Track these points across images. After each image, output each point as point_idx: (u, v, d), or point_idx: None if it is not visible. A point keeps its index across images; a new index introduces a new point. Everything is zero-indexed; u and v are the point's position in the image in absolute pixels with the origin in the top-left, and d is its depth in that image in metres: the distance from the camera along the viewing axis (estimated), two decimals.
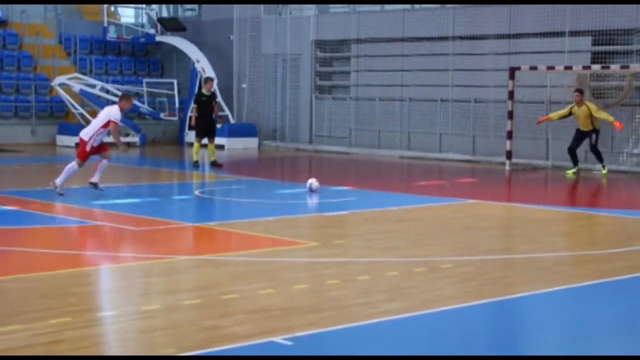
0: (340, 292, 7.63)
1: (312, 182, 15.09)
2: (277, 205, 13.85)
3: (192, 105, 19.81)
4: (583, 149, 19.62)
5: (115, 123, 14.31)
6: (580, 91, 18.85)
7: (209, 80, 19.83)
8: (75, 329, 6.32)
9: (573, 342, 6.36)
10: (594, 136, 18.84)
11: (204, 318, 6.72)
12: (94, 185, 14.24)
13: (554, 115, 19.46)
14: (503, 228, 12.38)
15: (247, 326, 6.46)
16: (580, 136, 18.99)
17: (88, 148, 14.23)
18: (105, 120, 14.28)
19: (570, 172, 18.88)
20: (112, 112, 14.39)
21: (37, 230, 11.13)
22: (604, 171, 18.82)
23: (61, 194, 13.84)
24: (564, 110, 19.16)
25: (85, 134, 14.41)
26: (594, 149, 18.95)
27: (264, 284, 7.89)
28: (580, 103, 18.64)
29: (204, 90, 19.39)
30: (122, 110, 14.57)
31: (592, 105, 18.67)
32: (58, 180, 14.02)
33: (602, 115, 18.55)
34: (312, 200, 14.38)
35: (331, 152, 25.09)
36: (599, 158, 18.98)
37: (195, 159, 19.22)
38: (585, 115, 18.64)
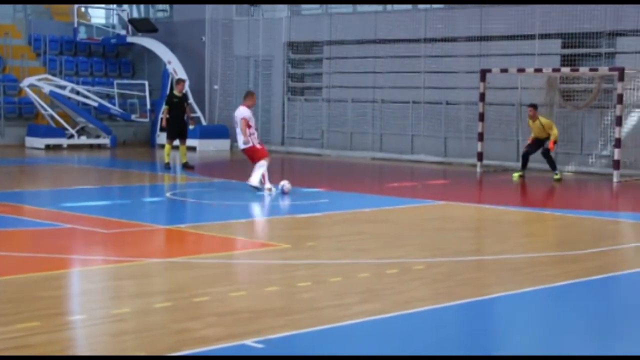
0: (312, 294, 7.61)
1: (284, 184, 15.05)
2: (249, 207, 13.81)
3: (164, 107, 19.72)
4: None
5: (246, 119, 15.14)
6: (534, 106, 18.68)
7: (180, 81, 19.76)
8: (43, 333, 6.25)
9: (544, 343, 6.39)
10: (546, 142, 18.62)
11: (175, 321, 6.67)
12: (256, 188, 14.95)
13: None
14: (474, 229, 12.43)
15: (218, 329, 6.43)
16: (536, 143, 18.80)
17: (258, 145, 15.22)
18: (242, 121, 15.11)
19: (515, 174, 18.78)
20: (241, 111, 15.23)
21: (5, 233, 11.01)
22: (557, 176, 18.57)
23: (270, 191, 14.82)
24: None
25: (244, 143, 15.16)
26: (546, 154, 18.72)
27: (235, 286, 7.86)
28: (534, 118, 18.55)
29: (175, 92, 19.32)
30: (248, 107, 15.39)
31: (545, 122, 18.41)
32: (256, 182, 14.95)
33: (553, 133, 18.42)
34: (284, 202, 14.35)
35: (303, 153, 25.08)
36: (551, 164, 18.76)
37: (166, 160, 19.15)
38: (539, 129, 18.53)
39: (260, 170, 15.08)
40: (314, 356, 5.88)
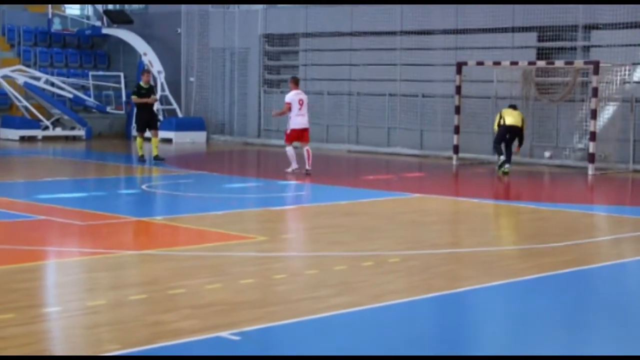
0: (287, 287, 7.63)
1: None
2: (224, 199, 13.80)
3: (132, 97, 19.53)
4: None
5: (288, 103, 17.18)
6: (513, 106, 18.68)
7: (145, 72, 19.74)
8: (18, 325, 6.22)
9: (514, 335, 6.45)
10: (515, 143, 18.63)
11: (150, 313, 6.66)
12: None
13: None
14: (450, 222, 12.49)
15: (194, 321, 6.43)
16: (511, 132, 18.78)
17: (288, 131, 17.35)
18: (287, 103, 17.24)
19: (506, 168, 18.82)
20: (288, 95, 17.32)
21: None
22: (506, 170, 18.11)
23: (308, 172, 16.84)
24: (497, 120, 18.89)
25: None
26: (507, 146, 18.73)
27: (211, 278, 7.85)
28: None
29: (141, 83, 19.25)
30: (293, 90, 17.35)
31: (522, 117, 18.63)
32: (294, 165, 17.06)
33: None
34: (260, 195, 14.34)
35: (279, 146, 25.05)
36: (508, 156, 18.47)
37: (140, 153, 19.07)
38: (518, 118, 18.47)
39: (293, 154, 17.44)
40: (290, 356, 5.89)
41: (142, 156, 19.05)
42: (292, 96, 17.17)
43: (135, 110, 19.43)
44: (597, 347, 6.25)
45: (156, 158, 18.94)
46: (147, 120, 19.07)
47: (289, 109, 17.13)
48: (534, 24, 20.91)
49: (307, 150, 17.30)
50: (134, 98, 19.15)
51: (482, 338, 6.45)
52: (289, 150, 17.29)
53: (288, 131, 17.29)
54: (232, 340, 5.99)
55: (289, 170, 17.25)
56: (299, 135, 17.34)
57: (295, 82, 17.74)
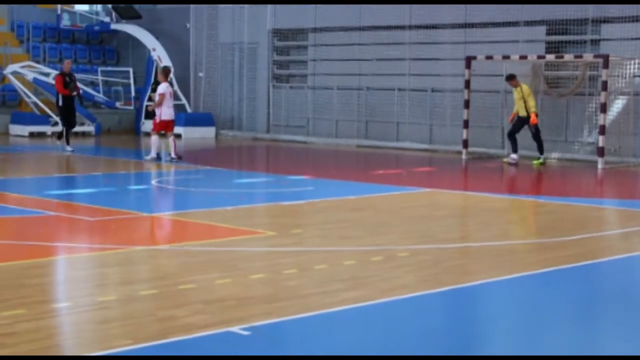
0: (297, 282, 7.64)
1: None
2: (234, 194, 13.81)
3: (150, 94, 19.60)
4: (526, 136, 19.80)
5: (162, 94, 18.14)
6: (512, 76, 19.07)
7: (165, 69, 19.66)
8: (29, 320, 6.25)
9: (527, 329, 6.44)
10: (532, 127, 18.90)
11: (160, 309, 6.68)
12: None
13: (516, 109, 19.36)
14: (459, 216, 12.48)
15: (204, 316, 6.44)
16: (519, 123, 19.10)
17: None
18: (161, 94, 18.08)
19: (538, 160, 19.02)
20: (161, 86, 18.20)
21: None
22: (537, 162, 18.91)
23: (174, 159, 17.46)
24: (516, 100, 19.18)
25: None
26: (536, 137, 19.06)
27: (221, 273, 7.87)
28: (516, 86, 18.91)
29: (160, 81, 19.19)
30: (165, 82, 18.32)
31: (525, 88, 18.90)
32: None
33: (531, 101, 18.74)
34: (270, 190, 14.35)
35: (288, 141, 25.08)
36: (540, 148, 19.08)
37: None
38: (518, 97, 18.87)
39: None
40: (299, 356, 5.90)
41: (158, 154, 18.92)
42: (165, 88, 18.09)
43: (145, 105, 19.43)
44: (607, 341, 6.25)
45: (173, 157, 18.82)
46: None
47: (160, 98, 17.98)
48: (543, 17, 20.85)
49: (173, 139, 18.18)
50: (153, 96, 19.21)
51: (492, 332, 6.45)
52: (155, 139, 18.14)
53: (157, 121, 18.13)
54: (243, 335, 6.00)
55: (148, 157, 18.18)
56: (167, 126, 18.31)
57: (166, 75, 18.68)
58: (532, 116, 18.73)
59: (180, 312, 6.53)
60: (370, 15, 23.94)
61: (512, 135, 19.17)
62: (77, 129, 25.55)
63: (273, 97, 26.39)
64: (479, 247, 9.60)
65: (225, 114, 27.36)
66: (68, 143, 19.76)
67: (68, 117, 20.05)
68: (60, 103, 20.06)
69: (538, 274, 8.17)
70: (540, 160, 19.03)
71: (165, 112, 18.19)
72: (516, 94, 18.98)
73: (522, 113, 18.90)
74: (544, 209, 12.86)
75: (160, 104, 18.11)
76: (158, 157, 18.82)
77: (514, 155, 19.06)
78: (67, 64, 20.56)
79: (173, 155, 17.95)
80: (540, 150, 19.12)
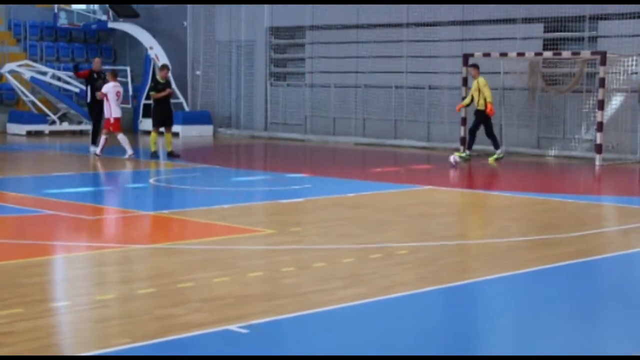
0: (296, 280, 7.63)
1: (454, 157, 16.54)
2: (232, 193, 13.80)
3: (150, 93, 19.50)
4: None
5: (104, 93, 18.69)
6: (473, 66, 19.32)
7: (164, 67, 19.64)
8: (27, 319, 6.24)
9: (525, 327, 6.44)
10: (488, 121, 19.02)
11: (159, 307, 6.67)
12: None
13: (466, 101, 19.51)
14: (458, 214, 12.48)
15: (202, 315, 6.44)
16: (479, 117, 19.12)
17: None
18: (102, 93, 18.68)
19: (491, 158, 19.02)
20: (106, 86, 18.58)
21: None
22: (492, 158, 18.94)
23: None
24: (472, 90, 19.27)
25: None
26: (490, 134, 19.11)
27: (219, 272, 7.86)
28: (475, 76, 19.12)
29: (158, 78, 19.17)
30: (112, 82, 18.73)
31: (481, 80, 19.03)
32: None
33: (487, 92, 18.85)
34: (268, 188, 14.34)
35: (286, 139, 25.07)
36: (494, 144, 19.11)
37: (153, 149, 18.91)
38: (475, 88, 19.03)
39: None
40: (297, 356, 5.89)
41: (155, 152, 18.89)
42: (111, 88, 18.47)
43: (152, 105, 19.37)
44: (606, 338, 6.25)
45: (170, 154, 18.79)
46: (165, 116, 18.93)
47: (105, 97, 18.50)
48: (540, 14, 20.84)
49: (106, 139, 18.70)
50: (153, 94, 19.05)
51: (491, 330, 6.44)
52: (122, 137, 18.55)
53: (112, 120, 18.57)
54: (241, 333, 6.00)
55: (126, 156, 18.39)
56: (120, 123, 18.81)
57: (114, 76, 19.22)
58: (489, 107, 18.86)
59: (178, 311, 6.53)
60: (367, 13, 23.92)
61: (472, 132, 19.25)
62: (74, 127, 25.58)
63: (271, 95, 26.37)
64: (478, 244, 9.60)
65: (222, 112, 27.34)
66: (94, 143, 19.53)
67: (93, 114, 19.85)
68: (89, 100, 19.86)
69: (537, 271, 8.17)
70: (496, 156, 19.01)
71: (116, 110, 18.53)
72: (475, 84, 19.10)
73: (480, 107, 18.95)
74: (542, 206, 12.86)
75: (101, 97, 18.62)
76: (156, 155, 18.81)
77: (461, 153, 19.05)
78: (97, 62, 20.33)
79: (98, 152, 18.54)
80: (495, 145, 19.14)
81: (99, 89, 19.35)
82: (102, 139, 18.66)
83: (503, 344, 6.08)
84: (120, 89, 18.98)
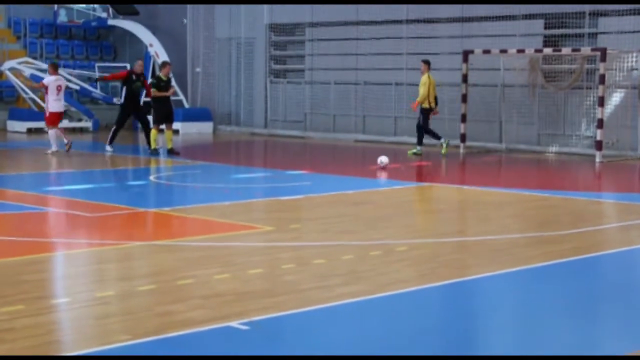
0: (295, 276, 7.65)
1: (382, 158, 15.81)
2: (232, 189, 13.81)
3: (152, 90, 19.46)
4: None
5: (43, 84, 18.74)
6: (425, 61, 19.64)
7: (166, 64, 19.59)
8: (28, 316, 6.25)
9: (525, 323, 6.45)
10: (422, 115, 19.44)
11: (159, 304, 6.69)
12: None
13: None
14: (457, 211, 12.49)
15: (203, 311, 6.45)
16: (424, 113, 19.53)
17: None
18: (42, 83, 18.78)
19: (410, 152, 19.45)
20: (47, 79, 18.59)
21: None
22: (411, 152, 19.42)
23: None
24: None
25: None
26: (423, 128, 19.48)
27: (219, 269, 7.88)
28: (424, 72, 19.45)
29: (161, 75, 19.13)
30: (53, 75, 18.72)
31: (425, 77, 19.37)
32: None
33: (422, 90, 19.22)
34: (268, 185, 14.35)
35: (286, 136, 25.07)
36: (419, 139, 19.54)
37: (153, 146, 18.88)
38: (423, 82, 19.36)
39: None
40: (295, 356, 5.91)
41: (156, 149, 18.85)
42: (52, 81, 18.45)
43: (152, 102, 19.30)
44: (605, 335, 6.26)
45: (171, 151, 18.77)
46: (166, 114, 18.89)
47: (42, 88, 18.66)
48: (540, 11, 20.84)
49: (57, 131, 18.59)
50: (153, 91, 19.00)
51: (490, 326, 6.46)
52: (52, 132, 18.48)
53: (47, 114, 18.59)
54: (241, 329, 6.01)
55: (49, 152, 18.31)
56: (57, 118, 18.68)
57: (55, 68, 19.05)
58: (415, 104, 19.37)
59: (178, 308, 6.54)
60: (367, 10, 23.91)
61: (427, 128, 19.55)
62: (75, 124, 25.57)
63: (270, 92, 26.37)
64: (478, 241, 9.61)
65: (222, 109, 27.34)
66: (111, 142, 19.48)
67: (126, 117, 19.67)
68: (123, 101, 19.72)
69: (536, 268, 8.18)
70: (415, 151, 19.47)
71: (53, 105, 18.51)
72: (423, 79, 19.34)
73: (424, 104, 19.34)
74: (542, 203, 12.87)
75: (37, 87, 18.91)
76: (156, 152, 18.79)
77: (414, 150, 19.60)
78: (140, 65, 20.01)
79: (55, 148, 18.41)
80: (419, 141, 19.55)
81: (138, 91, 19.36)
82: (56, 134, 18.47)
83: (503, 340, 6.09)
84: (63, 83, 19.04)
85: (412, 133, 23.01)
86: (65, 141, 18.60)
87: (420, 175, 15.80)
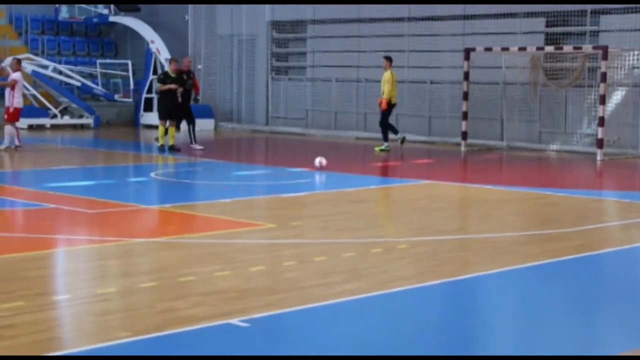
0: (296, 274, 7.64)
1: (320, 160, 15.34)
2: (233, 187, 13.81)
3: (158, 85, 19.41)
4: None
5: (15, 80, 18.50)
6: (387, 58, 19.94)
7: (172, 60, 19.57)
8: (29, 313, 6.25)
9: (527, 321, 6.45)
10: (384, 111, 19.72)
11: (160, 301, 6.69)
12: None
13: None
14: (458, 208, 12.48)
15: (204, 308, 6.45)
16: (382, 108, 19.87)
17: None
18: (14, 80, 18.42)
19: (377, 148, 19.74)
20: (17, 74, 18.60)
21: None
22: (378, 148, 19.80)
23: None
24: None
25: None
26: (382, 123, 19.85)
27: (221, 266, 7.87)
28: (386, 68, 19.76)
29: (169, 71, 19.09)
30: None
31: (387, 74, 19.70)
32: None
33: (386, 87, 19.54)
34: (269, 182, 14.34)
35: (287, 133, 25.07)
36: (384, 136, 19.86)
37: (160, 142, 18.85)
38: (386, 79, 19.66)
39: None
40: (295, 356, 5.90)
41: (163, 146, 18.83)
42: (20, 77, 18.62)
43: (157, 98, 19.28)
44: (607, 332, 6.25)
45: (172, 148, 18.74)
46: (170, 110, 18.87)
47: (13, 86, 18.33)
48: (542, 9, 20.82)
49: (16, 129, 18.50)
50: (159, 86, 19.01)
51: (491, 324, 6.45)
52: (12, 129, 18.25)
53: (11, 110, 18.35)
54: (242, 327, 6.01)
55: (2, 147, 18.20)
56: (19, 115, 18.70)
57: (19, 63, 19.17)
58: (383, 102, 19.61)
59: (179, 304, 6.54)
60: (369, 7, 23.88)
61: (386, 123, 19.89)
62: (76, 121, 25.57)
63: (272, 89, 26.36)
64: (479, 238, 9.61)
65: (224, 106, 27.33)
66: (195, 141, 19.42)
67: (183, 114, 19.48)
68: (180, 100, 19.29)
69: (537, 266, 8.17)
70: (382, 147, 19.75)
71: (20, 101, 18.55)
72: (386, 75, 19.62)
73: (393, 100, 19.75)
74: (543, 200, 12.86)
75: (7, 85, 18.60)
76: (163, 149, 18.74)
77: (381, 146, 19.86)
78: (188, 62, 19.89)
79: (18, 143, 18.37)
80: (385, 137, 19.86)
81: (190, 88, 19.31)
82: (13, 130, 18.34)
83: (503, 338, 6.08)
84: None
85: (413, 131, 23.03)
86: (17, 142, 18.45)
87: (422, 173, 15.79)
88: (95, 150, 20.00)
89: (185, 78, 19.22)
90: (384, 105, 19.66)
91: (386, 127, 19.85)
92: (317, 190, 13.29)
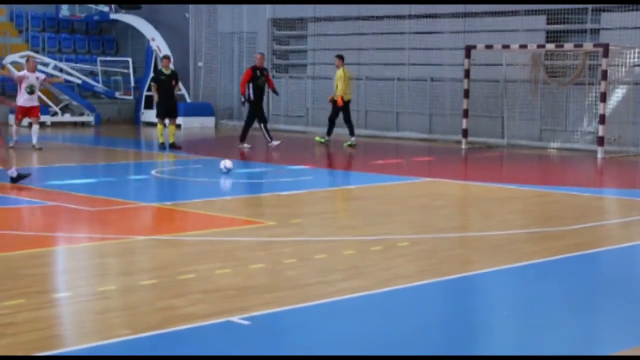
0: (297, 271, 7.64)
1: (226, 162, 14.72)
2: (233, 184, 13.80)
3: (151, 84, 19.45)
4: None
5: (22, 77, 18.52)
6: (338, 56, 20.38)
7: (165, 58, 19.60)
8: (29, 310, 6.25)
9: (527, 319, 6.45)
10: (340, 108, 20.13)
11: (160, 298, 6.69)
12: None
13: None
14: (459, 206, 12.48)
15: (204, 306, 6.45)
16: (335, 105, 20.30)
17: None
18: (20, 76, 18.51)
19: (319, 138, 20.64)
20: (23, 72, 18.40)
21: None
22: (347, 144, 20.18)
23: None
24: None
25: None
26: (330, 119, 20.40)
27: (221, 263, 7.87)
28: (339, 66, 20.17)
29: (162, 69, 19.13)
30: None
31: (340, 72, 20.12)
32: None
33: (340, 84, 19.99)
34: (269, 180, 14.34)
35: (288, 131, 25.06)
36: (350, 131, 20.31)
37: (160, 140, 18.86)
38: (339, 77, 20.03)
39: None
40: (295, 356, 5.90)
41: (163, 143, 18.82)
42: (26, 75, 18.34)
43: (144, 95, 19.31)
44: (607, 330, 6.25)
45: (172, 146, 18.74)
46: (169, 108, 18.89)
47: (21, 83, 18.22)
48: (542, 6, 20.81)
49: (17, 129, 18.43)
50: (153, 85, 19.03)
51: (492, 322, 6.45)
52: (16, 128, 18.37)
53: (17, 108, 18.28)
54: (242, 324, 6.01)
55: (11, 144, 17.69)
56: (27, 112, 18.38)
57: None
58: (339, 99, 20.05)
59: (180, 302, 6.54)
60: (369, 5, 23.88)
61: (332, 120, 20.39)
62: (76, 119, 25.58)
63: None
64: (479, 236, 9.60)
65: (224, 104, 27.32)
66: (271, 138, 19.65)
67: (255, 112, 19.61)
68: (252, 97, 19.46)
69: (538, 264, 8.17)
70: (350, 143, 20.18)
71: (20, 99, 18.30)
72: (339, 73, 19.93)
73: (336, 96, 20.10)
74: (544, 198, 12.86)
75: (14, 78, 18.88)
76: (164, 146, 18.75)
77: (321, 139, 20.55)
78: (261, 58, 19.84)
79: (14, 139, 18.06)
80: (351, 132, 20.29)
81: (263, 86, 19.40)
82: (15, 129, 18.36)
83: (504, 336, 6.08)
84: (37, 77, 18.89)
85: (414, 128, 23.05)
86: (15, 138, 18.37)
87: (422, 171, 15.79)
88: (96, 148, 20.01)
89: (258, 75, 19.25)
90: (339, 102, 20.01)
91: (331, 122, 20.35)
92: (317, 188, 13.28)
